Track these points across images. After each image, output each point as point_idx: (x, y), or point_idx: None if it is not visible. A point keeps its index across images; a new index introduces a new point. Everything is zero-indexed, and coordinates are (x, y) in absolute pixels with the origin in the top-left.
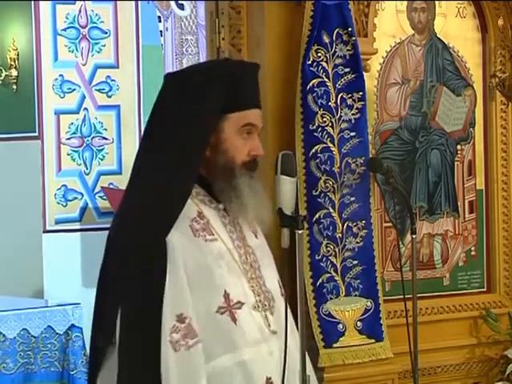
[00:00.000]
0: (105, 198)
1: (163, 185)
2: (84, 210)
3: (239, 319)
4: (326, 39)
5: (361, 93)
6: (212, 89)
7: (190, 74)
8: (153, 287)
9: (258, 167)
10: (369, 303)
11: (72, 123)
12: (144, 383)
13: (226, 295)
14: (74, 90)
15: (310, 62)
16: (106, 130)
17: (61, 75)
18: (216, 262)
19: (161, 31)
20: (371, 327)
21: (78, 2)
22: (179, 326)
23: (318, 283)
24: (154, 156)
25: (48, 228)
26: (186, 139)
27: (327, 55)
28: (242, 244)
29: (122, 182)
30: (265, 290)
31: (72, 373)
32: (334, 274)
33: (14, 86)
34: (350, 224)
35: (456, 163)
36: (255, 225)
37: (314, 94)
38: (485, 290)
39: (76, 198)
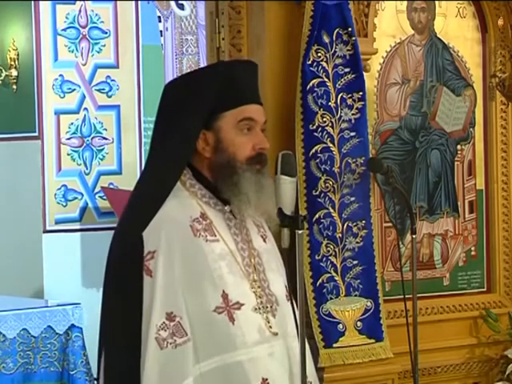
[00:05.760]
0: (105, 197)
1: (143, 188)
2: (84, 210)
3: (238, 319)
4: (326, 39)
5: (361, 93)
6: (200, 93)
7: (180, 81)
8: (127, 289)
9: (268, 162)
10: (369, 303)
11: (72, 123)
12: None
13: (225, 295)
14: (74, 90)
15: (310, 62)
16: (105, 130)
17: (61, 75)
18: (216, 262)
19: (161, 31)
20: (371, 327)
21: (77, 2)
22: (168, 324)
23: (317, 283)
24: (148, 161)
25: (48, 228)
26: (169, 145)
27: (327, 55)
28: (247, 247)
29: (122, 182)
30: (268, 293)
31: (72, 373)
32: (334, 274)
33: (14, 86)
34: (349, 224)
35: (456, 163)
36: (266, 230)
37: (314, 94)
38: (485, 289)
39: (76, 198)
